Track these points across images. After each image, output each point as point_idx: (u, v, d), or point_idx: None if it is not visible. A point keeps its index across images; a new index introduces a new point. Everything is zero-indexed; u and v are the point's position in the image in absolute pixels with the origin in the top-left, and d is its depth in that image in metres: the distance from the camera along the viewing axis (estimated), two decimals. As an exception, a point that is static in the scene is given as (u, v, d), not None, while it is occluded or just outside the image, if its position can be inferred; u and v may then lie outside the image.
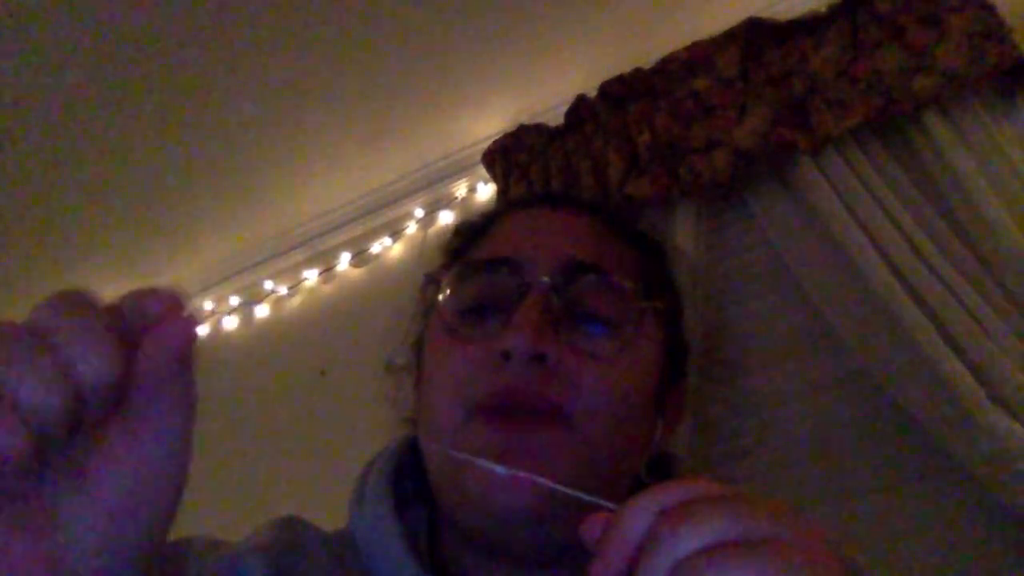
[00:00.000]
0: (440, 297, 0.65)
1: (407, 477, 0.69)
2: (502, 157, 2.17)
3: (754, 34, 1.87)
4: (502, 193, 2.14)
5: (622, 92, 2.00)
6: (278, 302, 2.67)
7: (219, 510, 2.39)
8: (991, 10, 1.65)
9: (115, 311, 0.36)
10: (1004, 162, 1.59)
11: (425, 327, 0.72)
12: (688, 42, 1.95)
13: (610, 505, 0.43)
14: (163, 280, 2.86)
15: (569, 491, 0.48)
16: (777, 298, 1.78)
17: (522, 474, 0.51)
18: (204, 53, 2.05)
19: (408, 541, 0.61)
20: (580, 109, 2.06)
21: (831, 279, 1.68)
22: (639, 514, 0.39)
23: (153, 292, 0.38)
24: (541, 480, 0.50)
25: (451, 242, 0.79)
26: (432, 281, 0.72)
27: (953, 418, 1.43)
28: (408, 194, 2.54)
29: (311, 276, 2.61)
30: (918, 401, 1.50)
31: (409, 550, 0.60)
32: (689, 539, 0.36)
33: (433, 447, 0.62)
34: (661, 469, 0.70)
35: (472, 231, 0.76)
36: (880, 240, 1.61)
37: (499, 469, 0.52)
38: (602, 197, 1.88)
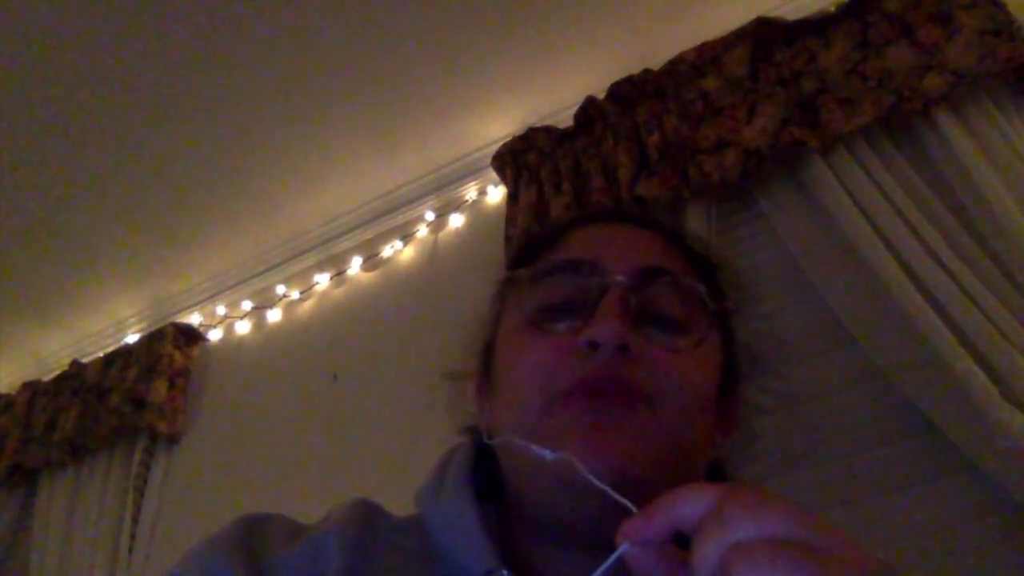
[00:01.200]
0: (520, 293, 0.68)
1: (478, 476, 0.71)
2: (512, 159, 2.18)
3: (763, 34, 1.86)
4: (512, 196, 2.14)
5: (631, 93, 2.01)
6: (290, 306, 2.68)
7: (233, 512, 2.40)
8: (1001, 7, 1.65)
9: None
10: (1015, 159, 1.58)
11: (496, 330, 0.74)
12: (697, 42, 1.96)
13: (633, 508, 0.44)
14: (176, 285, 2.87)
15: (604, 487, 0.49)
16: (788, 297, 1.78)
17: (565, 455, 0.54)
18: (217, 60, 2.06)
19: (489, 532, 0.63)
20: (589, 110, 2.07)
21: (842, 278, 1.67)
22: (700, 492, 0.40)
23: None
24: (581, 469, 0.52)
25: (520, 249, 0.81)
26: (509, 282, 0.74)
27: (966, 416, 1.43)
28: (418, 197, 2.55)
29: (323, 280, 2.62)
30: (931, 400, 1.50)
31: (490, 541, 0.62)
32: (754, 525, 0.37)
33: (505, 438, 0.64)
34: (717, 478, 0.71)
35: (542, 240, 0.77)
36: (891, 238, 1.61)
37: (547, 454, 0.55)
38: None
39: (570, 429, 0.58)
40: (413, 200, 2.56)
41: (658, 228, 0.75)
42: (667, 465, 0.59)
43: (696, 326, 0.66)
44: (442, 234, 2.46)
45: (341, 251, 2.65)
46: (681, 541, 0.41)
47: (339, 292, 2.60)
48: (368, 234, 2.62)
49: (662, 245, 0.72)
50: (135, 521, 2.48)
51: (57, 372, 2.91)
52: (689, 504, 0.40)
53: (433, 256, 2.43)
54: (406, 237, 2.52)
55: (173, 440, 2.62)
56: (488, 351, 0.74)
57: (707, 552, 0.38)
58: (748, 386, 0.79)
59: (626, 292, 0.63)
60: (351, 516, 0.66)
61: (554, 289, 0.67)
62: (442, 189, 2.51)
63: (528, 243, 0.80)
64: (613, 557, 0.42)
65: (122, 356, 2.74)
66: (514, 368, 0.66)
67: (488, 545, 0.61)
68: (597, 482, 0.51)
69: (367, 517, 0.67)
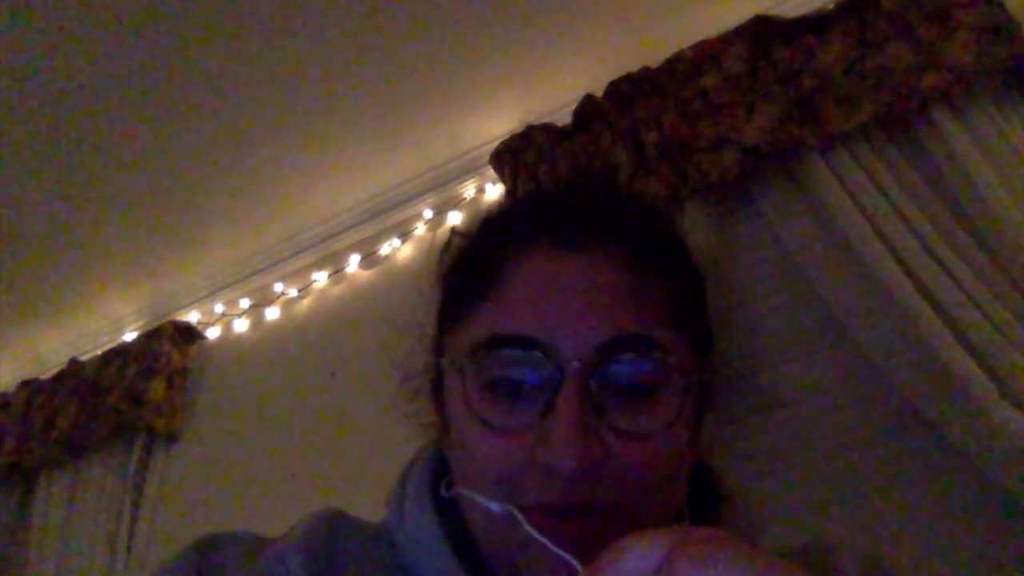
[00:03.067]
0: (460, 376, 0.61)
1: (443, 480, 0.68)
2: (510, 157, 2.17)
3: (761, 31, 1.86)
4: (510, 194, 2.14)
5: (630, 91, 2.00)
6: (288, 304, 2.68)
7: (231, 510, 2.40)
8: (999, 6, 1.65)
9: None
10: (1013, 157, 1.58)
11: (443, 370, 0.67)
12: (695, 40, 1.95)
13: (576, 565, 0.44)
14: (174, 284, 2.87)
15: (547, 542, 0.49)
16: (786, 296, 1.78)
17: (509, 508, 0.53)
18: (215, 57, 2.06)
19: (453, 547, 0.61)
20: (588, 108, 2.06)
21: (841, 276, 1.67)
22: (647, 545, 0.39)
23: None
24: (524, 523, 0.51)
25: (454, 270, 0.73)
26: (455, 360, 0.64)
27: (965, 415, 1.43)
28: (417, 195, 2.54)
29: (321, 278, 2.62)
30: (930, 398, 1.50)
31: (454, 556, 0.61)
32: None
33: (456, 492, 0.62)
34: (700, 483, 0.69)
35: (478, 264, 0.67)
36: (890, 237, 1.61)
37: (493, 507, 0.54)
38: (618, 200, 1.89)
39: (537, 553, 0.54)
40: (411, 198, 2.55)
41: (625, 246, 0.63)
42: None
43: (667, 400, 0.59)
44: (440, 232, 2.45)
45: (339, 249, 2.65)
46: None
47: (337, 290, 2.60)
48: (366, 232, 2.62)
49: (630, 284, 0.61)
50: (133, 519, 2.48)
51: (55, 370, 2.90)
52: (637, 559, 0.38)
53: (431, 254, 2.42)
54: (404, 235, 2.52)
55: (171, 438, 2.62)
56: (439, 383, 0.69)
57: None
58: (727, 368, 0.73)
59: (584, 382, 0.56)
60: (314, 528, 0.64)
61: (498, 368, 0.59)
62: (440, 187, 2.51)
63: (460, 261, 0.72)
64: None
65: (120, 354, 2.74)
66: (470, 462, 0.60)
67: (453, 560, 0.60)
68: (540, 537, 0.49)
69: (332, 528, 0.65)
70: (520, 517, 0.52)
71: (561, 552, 0.46)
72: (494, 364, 0.59)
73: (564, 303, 0.59)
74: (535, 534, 0.50)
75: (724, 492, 0.68)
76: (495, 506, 0.53)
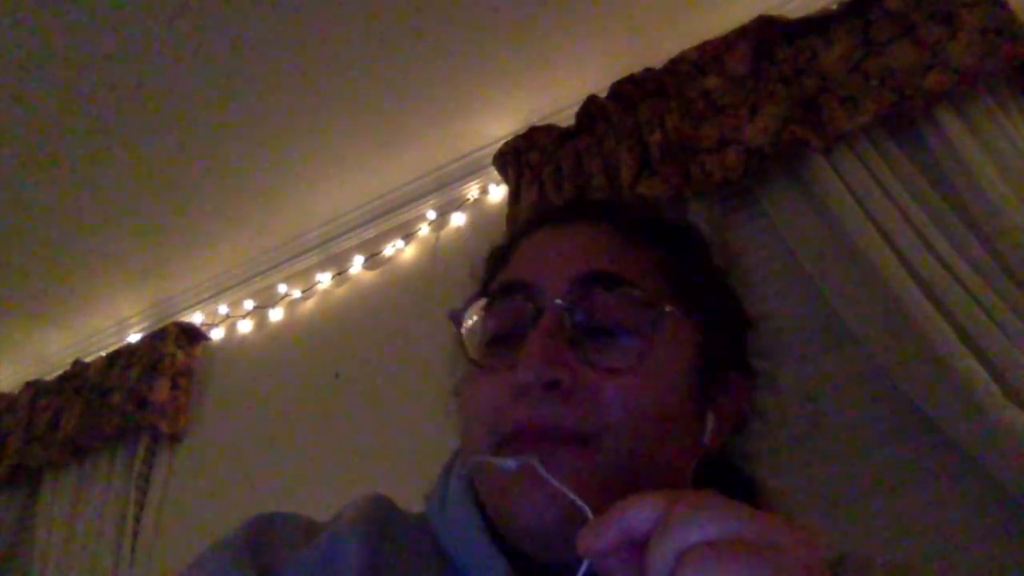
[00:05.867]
0: (463, 330, 0.66)
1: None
2: (513, 158, 2.17)
3: (765, 32, 1.86)
4: (513, 195, 2.14)
5: (633, 92, 2.01)
6: (292, 305, 2.68)
7: (235, 511, 2.40)
8: (1003, 6, 1.65)
9: None
10: (1017, 157, 1.58)
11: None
12: (698, 41, 1.96)
13: (589, 513, 0.45)
14: (178, 285, 2.88)
15: (563, 488, 0.50)
16: (790, 296, 1.77)
17: (531, 462, 0.53)
18: (218, 60, 2.06)
19: (496, 542, 0.61)
20: (591, 109, 2.06)
21: (844, 277, 1.67)
22: (648, 501, 0.41)
23: None
24: (541, 471, 0.52)
25: (480, 271, 0.79)
26: (456, 315, 0.71)
27: (968, 415, 1.42)
28: (420, 196, 2.55)
29: (324, 279, 2.62)
30: (933, 398, 1.49)
31: (493, 545, 0.61)
32: (701, 528, 0.38)
33: (465, 467, 0.64)
34: (720, 478, 0.69)
35: (497, 257, 0.76)
36: (893, 237, 1.61)
37: (510, 463, 0.54)
38: (616, 196, 1.89)
39: (507, 480, 0.57)
40: (415, 199, 2.56)
41: (612, 219, 0.70)
42: (620, 494, 0.57)
43: (644, 333, 0.61)
44: (443, 233, 2.46)
45: (343, 250, 2.65)
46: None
47: (341, 291, 2.60)
48: (370, 233, 2.62)
49: (605, 241, 0.67)
50: (137, 520, 2.48)
51: (59, 371, 2.91)
52: (639, 513, 0.41)
53: (435, 255, 2.43)
54: (408, 236, 2.52)
55: (175, 439, 2.63)
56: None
57: (658, 559, 0.39)
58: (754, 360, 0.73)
59: (559, 315, 0.60)
60: (368, 513, 0.65)
61: (493, 321, 0.65)
62: (443, 188, 2.51)
63: (487, 260, 0.78)
64: (579, 574, 0.43)
65: (124, 355, 2.75)
66: (465, 409, 0.65)
67: (493, 549, 0.60)
68: (555, 482, 0.51)
69: (383, 514, 0.66)
70: (537, 466, 0.53)
71: (575, 497, 0.47)
72: (490, 317, 0.66)
73: (549, 256, 0.67)
74: (552, 480, 0.51)
75: (745, 487, 0.68)
76: (511, 462, 0.54)
